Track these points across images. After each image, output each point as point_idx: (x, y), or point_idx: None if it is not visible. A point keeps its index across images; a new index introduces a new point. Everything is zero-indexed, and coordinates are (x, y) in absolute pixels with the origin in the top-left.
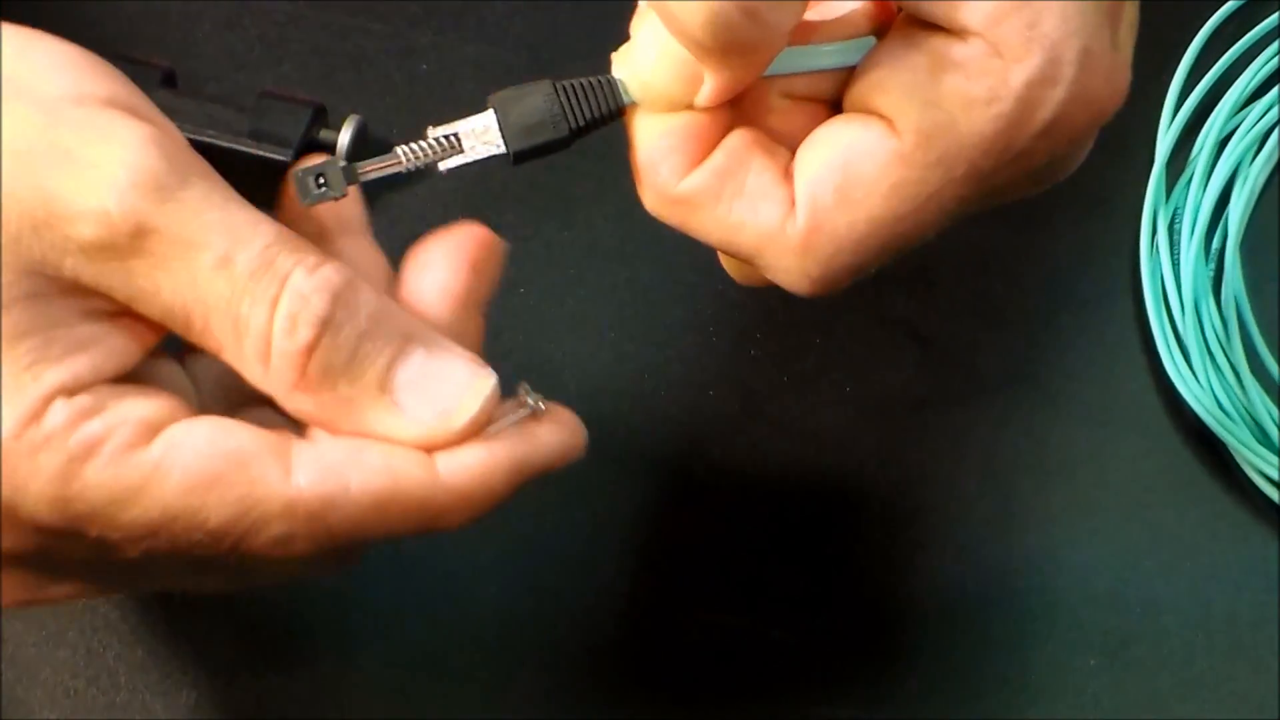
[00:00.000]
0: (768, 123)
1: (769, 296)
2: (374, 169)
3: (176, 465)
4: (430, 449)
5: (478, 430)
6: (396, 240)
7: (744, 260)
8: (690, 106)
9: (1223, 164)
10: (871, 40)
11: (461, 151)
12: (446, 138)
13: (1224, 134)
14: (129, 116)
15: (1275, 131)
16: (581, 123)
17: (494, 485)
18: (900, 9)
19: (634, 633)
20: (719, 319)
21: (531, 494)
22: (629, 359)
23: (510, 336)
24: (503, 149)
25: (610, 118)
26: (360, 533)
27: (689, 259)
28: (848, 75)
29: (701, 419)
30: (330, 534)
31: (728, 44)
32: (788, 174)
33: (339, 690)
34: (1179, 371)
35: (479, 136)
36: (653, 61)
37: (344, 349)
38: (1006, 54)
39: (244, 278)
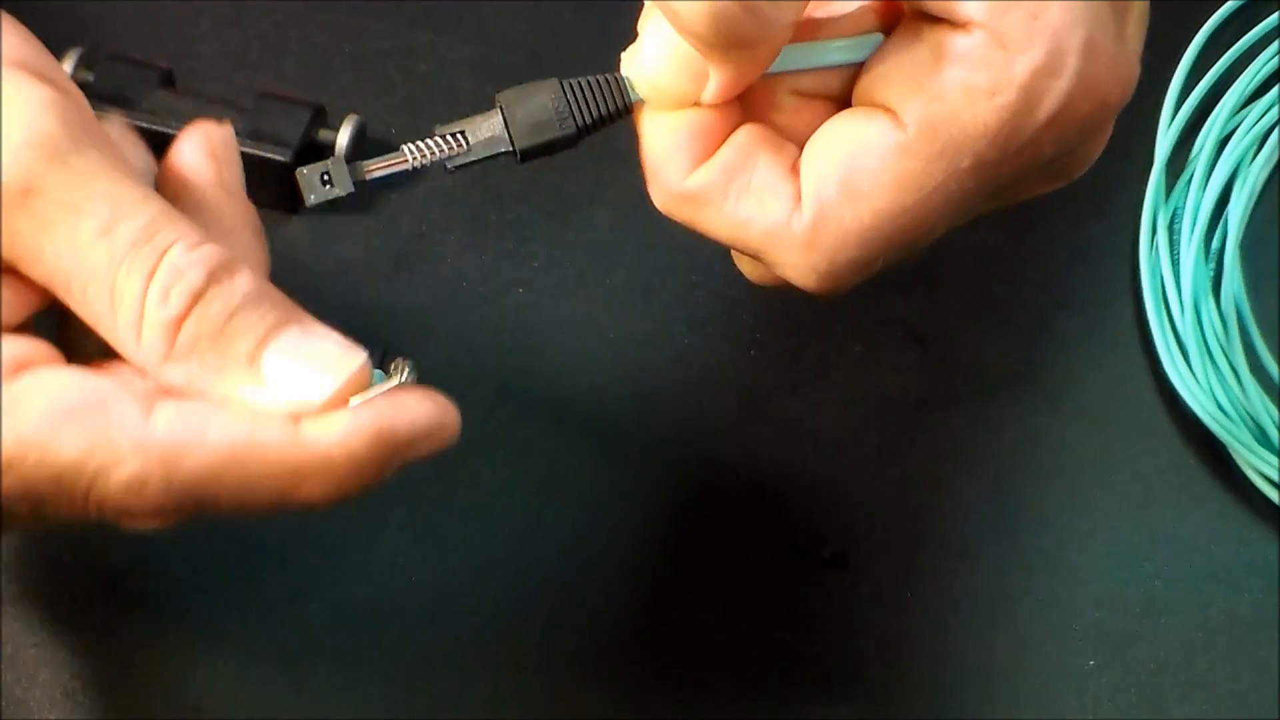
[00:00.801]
0: (776, 120)
1: (769, 296)
2: (381, 167)
3: (37, 397)
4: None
5: (341, 405)
6: (397, 240)
7: (752, 256)
8: (697, 104)
9: (1223, 164)
10: (879, 37)
11: (468, 150)
12: (453, 135)
13: (1224, 134)
14: (34, 79)
15: (1275, 131)
16: (588, 121)
17: (357, 451)
18: (906, 5)
19: (634, 633)
20: (719, 319)
21: (531, 494)
22: (629, 359)
23: (510, 336)
24: (509, 147)
25: (617, 116)
26: (215, 487)
27: (689, 259)
28: (856, 72)
29: (701, 419)
30: (185, 486)
31: (730, 39)
32: (795, 170)
33: (339, 690)
34: (1179, 371)
35: (486, 135)
36: (659, 59)
37: (215, 321)
38: (1009, 45)
39: (124, 248)
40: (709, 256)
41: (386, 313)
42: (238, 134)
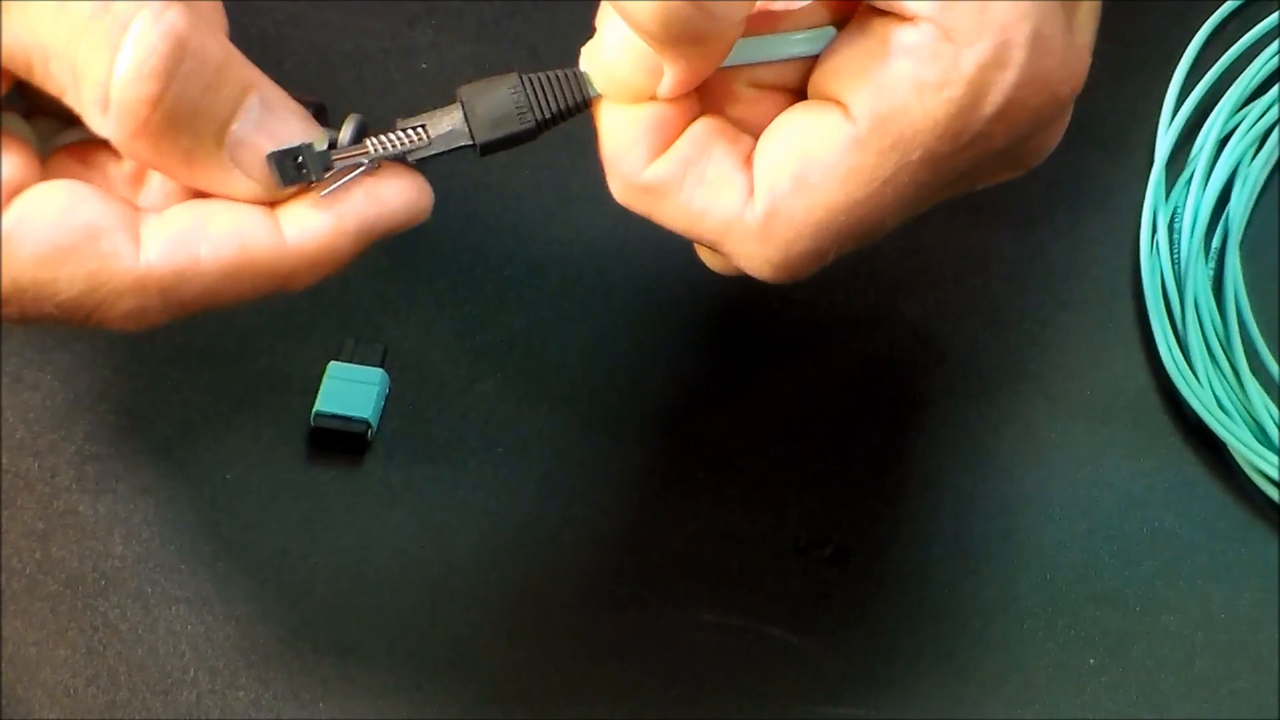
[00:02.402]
0: (734, 112)
1: (769, 297)
2: (345, 157)
3: (28, 238)
4: (264, 203)
5: (306, 190)
6: (396, 240)
7: (709, 247)
8: (654, 98)
9: (1222, 163)
10: (833, 30)
11: (429, 143)
12: (415, 129)
13: (1224, 133)
14: None
15: (1275, 131)
16: (547, 115)
17: (340, 247)
18: None
19: (634, 633)
20: (719, 319)
21: (530, 494)
22: (629, 359)
23: (509, 337)
24: (470, 141)
25: (577, 109)
26: (212, 301)
27: (689, 259)
28: (812, 64)
29: (701, 419)
30: (183, 305)
31: (680, 36)
32: (749, 162)
33: (339, 690)
34: (1179, 371)
35: (447, 128)
36: (616, 54)
37: (187, 100)
38: (957, 38)
39: (82, 19)
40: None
41: (385, 305)
42: None
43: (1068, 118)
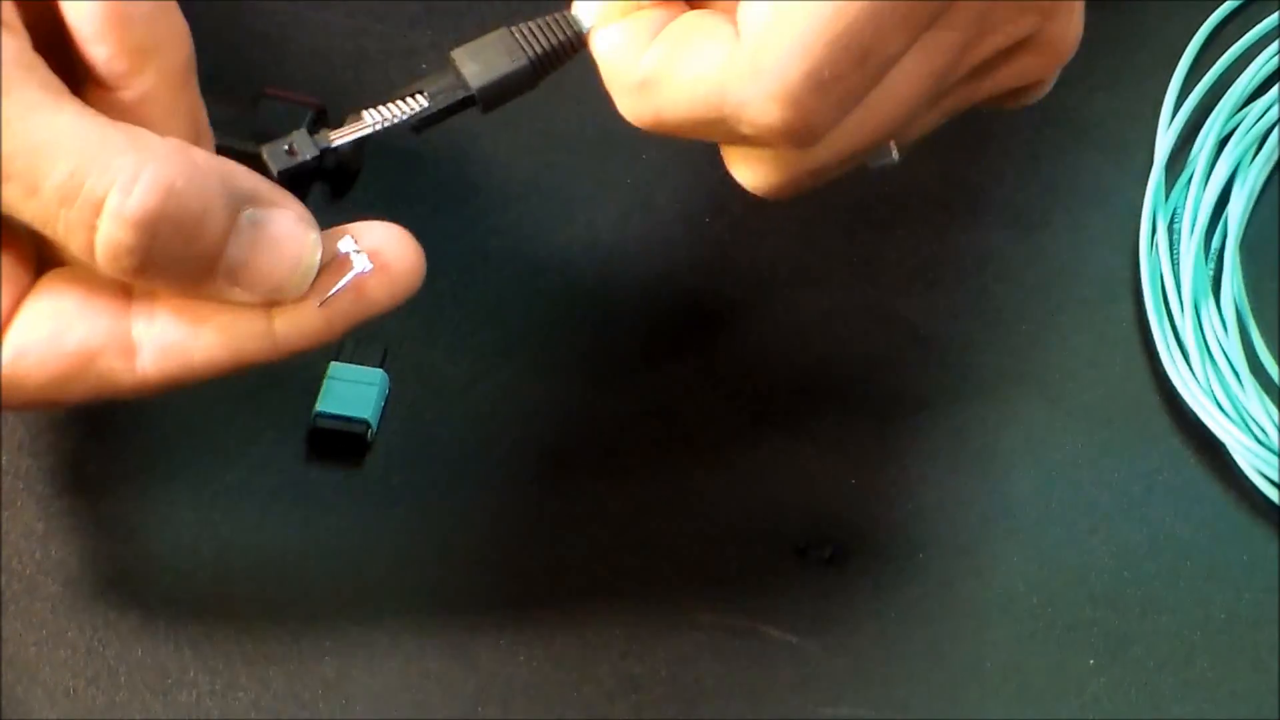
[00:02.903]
0: (725, 7)
1: (769, 297)
2: (344, 134)
3: (29, 377)
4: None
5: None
6: None
7: (718, 122)
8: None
9: (1222, 164)
10: None
11: (428, 105)
12: (411, 96)
13: (1224, 134)
14: None
15: (1275, 131)
16: (540, 52)
17: (325, 341)
18: None
19: (634, 633)
20: (719, 319)
21: (530, 494)
22: (629, 359)
23: (509, 337)
24: (468, 92)
25: (570, 47)
26: (206, 381)
27: (689, 259)
28: None
29: (701, 419)
30: (181, 389)
31: None
32: (735, 20)
33: (339, 690)
34: (1179, 371)
35: (442, 88)
36: None
37: (171, 256)
38: None
39: (54, 206)
40: (709, 257)
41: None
42: (239, 134)
43: (1081, 7)
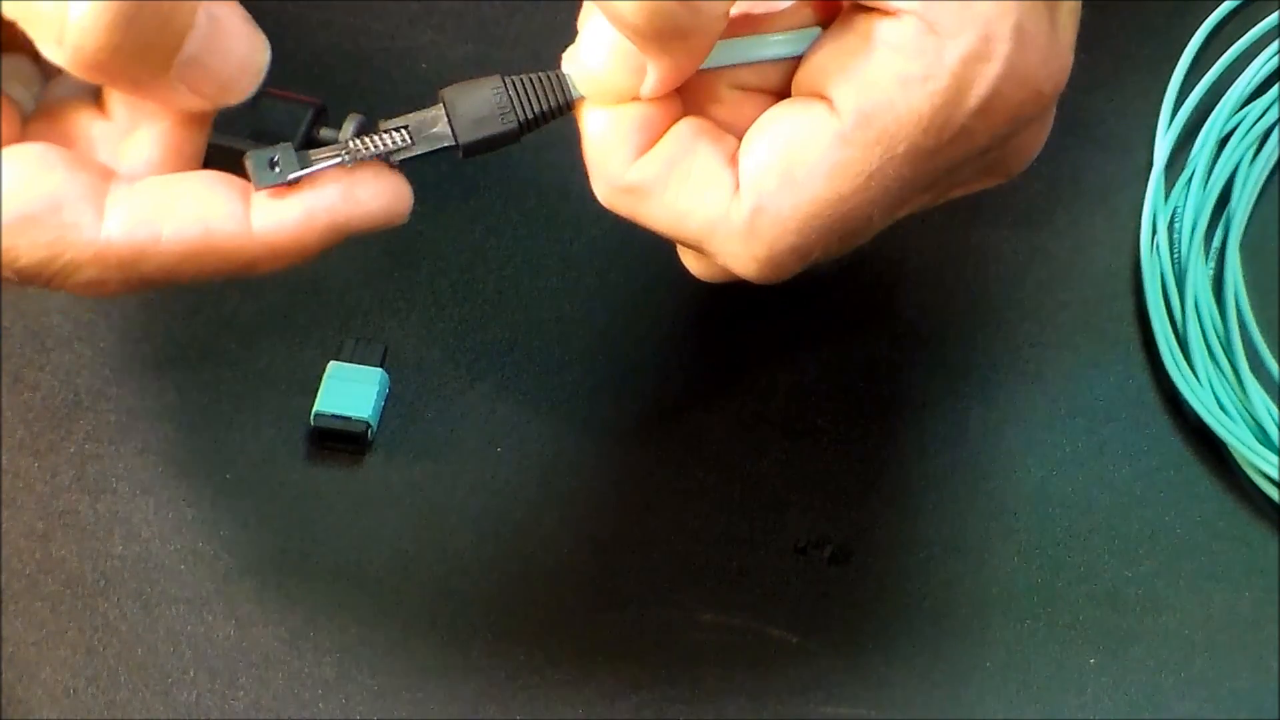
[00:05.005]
0: (717, 114)
1: (769, 297)
2: (325, 158)
3: None
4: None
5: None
6: (396, 240)
7: (693, 247)
8: (638, 99)
9: (1222, 163)
10: (816, 30)
11: (412, 144)
12: (397, 130)
13: (1224, 133)
14: None
15: (1275, 131)
16: (530, 115)
17: (307, 241)
18: None
19: (634, 633)
20: (719, 319)
21: (530, 494)
22: (628, 359)
23: (509, 337)
24: (452, 142)
25: (560, 111)
26: (172, 278)
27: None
28: (795, 66)
29: (701, 419)
30: (142, 280)
31: (664, 30)
32: (734, 160)
33: (339, 690)
34: (1179, 371)
35: (429, 130)
36: (599, 54)
37: (140, 41)
38: (941, 31)
39: None
40: None
41: (385, 305)
42: (239, 132)
43: (1050, 120)
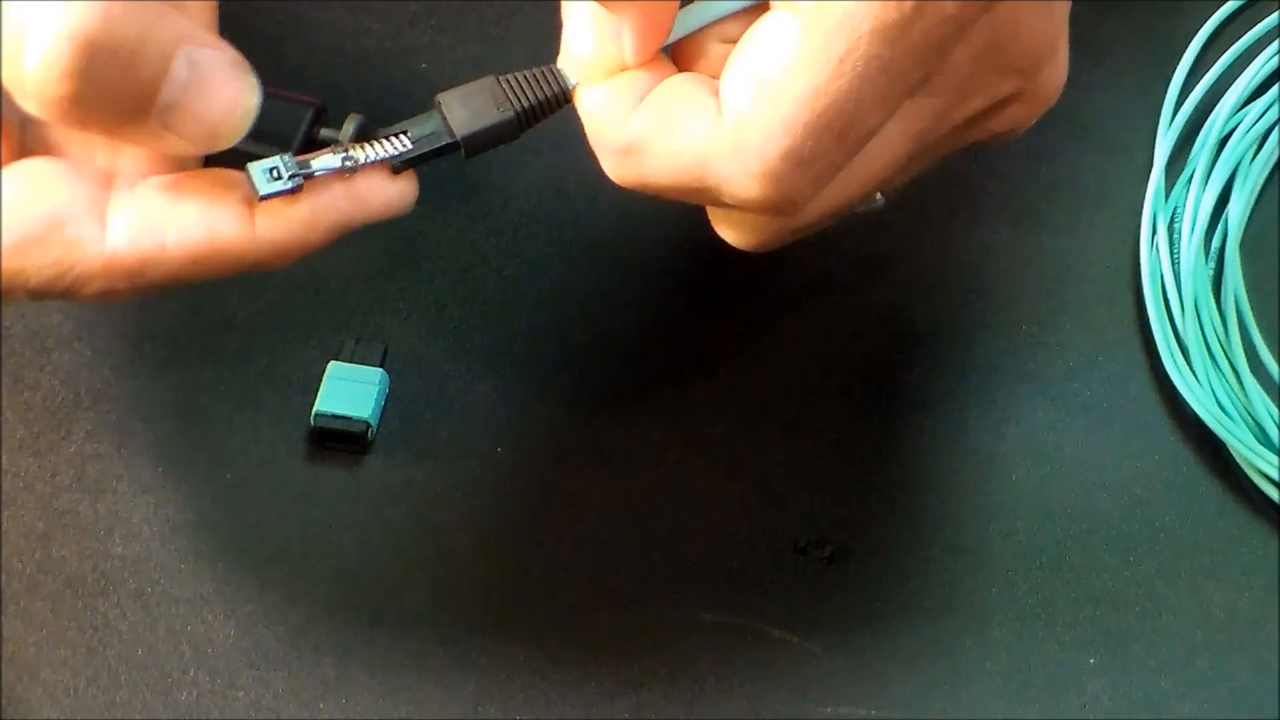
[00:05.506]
0: (709, 70)
1: (769, 297)
2: (324, 164)
3: None
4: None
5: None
6: (396, 240)
7: (699, 192)
8: (627, 67)
9: (1222, 163)
10: None
11: (410, 147)
12: (395, 136)
13: (1224, 133)
14: None
15: (1275, 131)
16: (527, 105)
17: (311, 240)
18: None
19: (634, 633)
20: (719, 319)
21: (530, 494)
22: (629, 358)
23: (509, 337)
24: (452, 139)
25: (556, 102)
26: (179, 282)
27: (690, 260)
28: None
29: (702, 419)
30: (150, 285)
31: None
32: (718, 94)
33: (339, 690)
34: (1179, 371)
35: (427, 131)
36: (580, 34)
37: (105, 88)
38: None
39: None
40: (710, 258)
41: (385, 305)
42: None
43: (1063, 45)
